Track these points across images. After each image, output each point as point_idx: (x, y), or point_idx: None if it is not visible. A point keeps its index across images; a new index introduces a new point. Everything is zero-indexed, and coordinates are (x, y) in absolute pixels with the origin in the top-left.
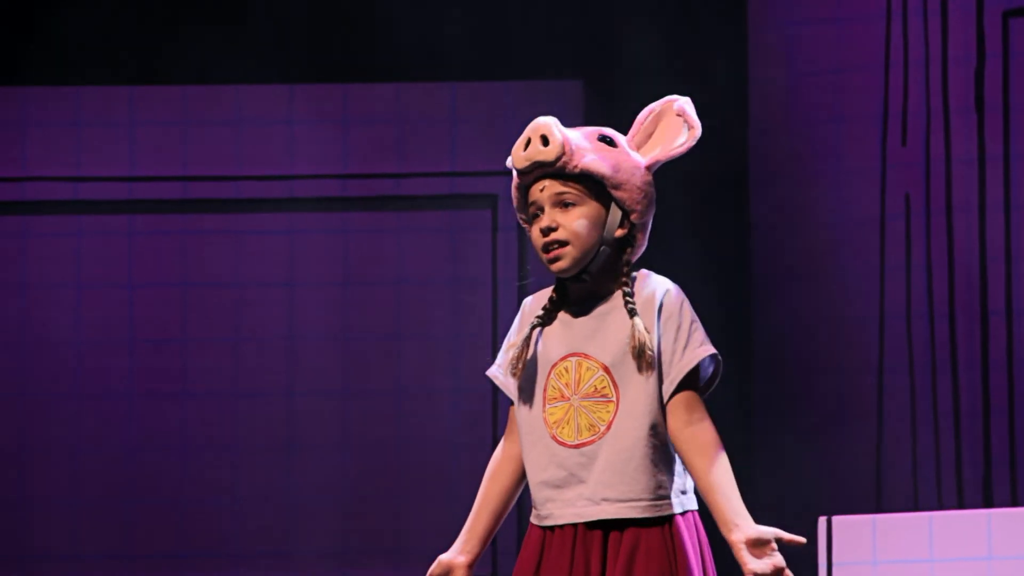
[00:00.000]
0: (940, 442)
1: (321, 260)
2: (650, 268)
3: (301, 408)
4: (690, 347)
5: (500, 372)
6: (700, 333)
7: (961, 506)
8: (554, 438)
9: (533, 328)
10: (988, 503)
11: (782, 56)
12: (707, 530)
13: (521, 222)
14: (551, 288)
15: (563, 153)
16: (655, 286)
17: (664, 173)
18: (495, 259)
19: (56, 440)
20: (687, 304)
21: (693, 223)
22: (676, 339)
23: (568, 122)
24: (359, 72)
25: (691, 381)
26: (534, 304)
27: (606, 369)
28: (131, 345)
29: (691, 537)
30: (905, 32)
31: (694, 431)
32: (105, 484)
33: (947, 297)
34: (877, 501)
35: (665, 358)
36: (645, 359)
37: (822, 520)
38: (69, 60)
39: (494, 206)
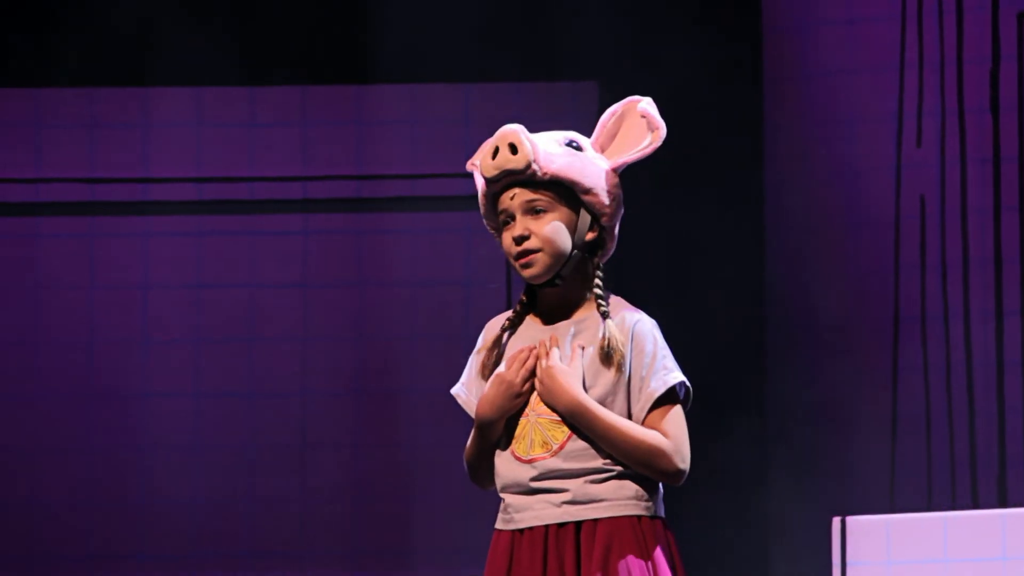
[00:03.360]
0: (954, 442)
1: (334, 261)
2: (663, 269)
3: (314, 409)
4: (658, 374)
5: (463, 391)
6: (669, 360)
7: (975, 506)
8: (511, 451)
9: (504, 331)
10: (1003, 503)
11: (797, 56)
12: (688, 542)
13: (489, 228)
14: (511, 310)
15: (532, 160)
16: (628, 313)
17: (674, 174)
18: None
19: (66, 440)
20: (657, 333)
21: (706, 223)
22: (646, 366)
23: (582, 124)
24: (373, 73)
25: (667, 404)
26: (495, 323)
27: None
28: (143, 345)
29: (662, 541)
30: (920, 33)
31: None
32: (113, 484)
33: (961, 298)
34: (891, 501)
35: (634, 385)
36: (614, 360)
37: (836, 520)
38: (84, 61)
39: None
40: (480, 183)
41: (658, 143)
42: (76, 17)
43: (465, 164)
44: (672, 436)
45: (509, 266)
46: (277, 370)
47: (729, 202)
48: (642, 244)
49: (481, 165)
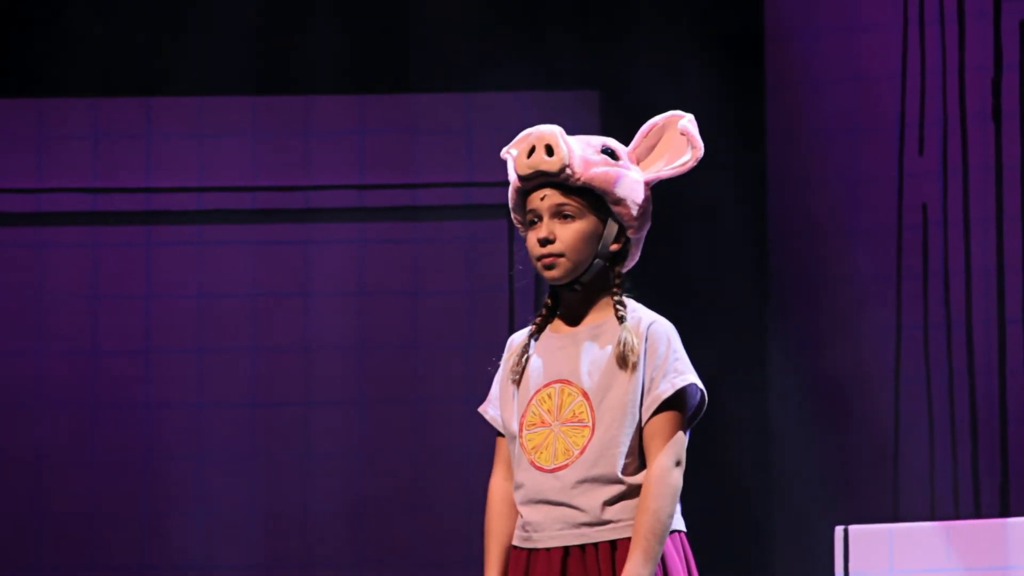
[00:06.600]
0: (957, 451)
1: (337, 271)
2: (666, 276)
3: (318, 418)
4: (668, 376)
5: (490, 407)
6: (681, 363)
7: (978, 515)
8: (532, 463)
9: (531, 336)
10: (1005, 512)
11: (800, 65)
12: (694, 552)
13: (515, 222)
14: (533, 322)
15: (567, 165)
16: (643, 316)
17: (682, 184)
18: (511, 269)
19: (69, 449)
20: (673, 335)
21: (710, 231)
22: (657, 367)
23: (583, 133)
24: (375, 83)
25: (671, 408)
26: (518, 336)
27: (585, 395)
28: (146, 355)
29: (679, 556)
30: (922, 41)
31: (651, 464)
32: (117, 493)
33: (964, 305)
34: (894, 510)
35: (645, 386)
36: (628, 363)
37: (839, 530)
38: (85, 71)
39: (510, 216)
40: (513, 176)
41: (694, 163)
42: (81, 27)
43: (466, 172)
44: (662, 454)
45: (511, 275)
46: (284, 378)
47: (732, 210)
48: (646, 250)
49: (516, 162)
